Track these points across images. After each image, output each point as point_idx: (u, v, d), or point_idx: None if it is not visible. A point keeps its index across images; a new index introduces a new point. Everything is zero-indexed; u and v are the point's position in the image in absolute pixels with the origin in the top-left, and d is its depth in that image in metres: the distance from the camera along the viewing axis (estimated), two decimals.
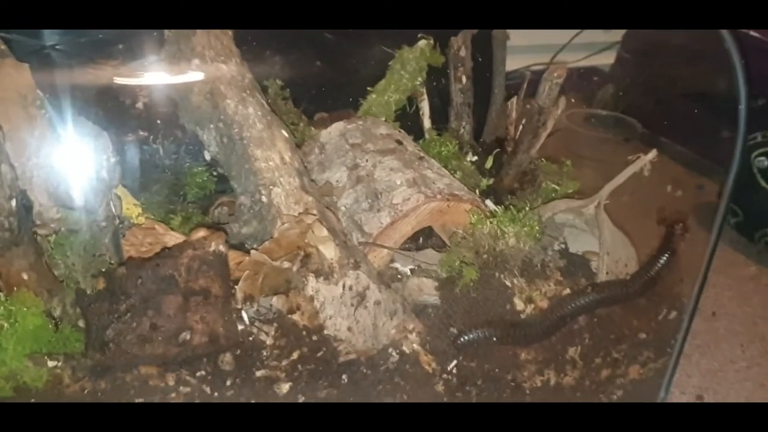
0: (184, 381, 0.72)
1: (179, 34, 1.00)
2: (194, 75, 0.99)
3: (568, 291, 1.02)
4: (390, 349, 0.86)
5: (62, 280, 0.80)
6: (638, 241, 1.15)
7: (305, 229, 0.86)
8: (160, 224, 0.86)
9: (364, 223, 1.04)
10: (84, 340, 0.74)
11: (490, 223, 1.03)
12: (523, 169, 1.27)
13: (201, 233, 0.77)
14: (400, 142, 1.18)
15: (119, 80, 1.04)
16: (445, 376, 0.89)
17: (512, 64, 1.56)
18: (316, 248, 0.87)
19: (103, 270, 0.78)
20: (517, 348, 0.95)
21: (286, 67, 1.28)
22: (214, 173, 1.08)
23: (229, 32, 1.04)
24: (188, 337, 0.72)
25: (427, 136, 1.37)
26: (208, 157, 1.03)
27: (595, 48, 2.17)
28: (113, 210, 0.83)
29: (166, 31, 1.01)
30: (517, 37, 1.50)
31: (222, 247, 0.77)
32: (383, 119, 1.28)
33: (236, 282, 0.82)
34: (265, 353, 0.77)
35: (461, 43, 1.36)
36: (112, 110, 1.04)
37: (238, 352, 0.76)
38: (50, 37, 1.04)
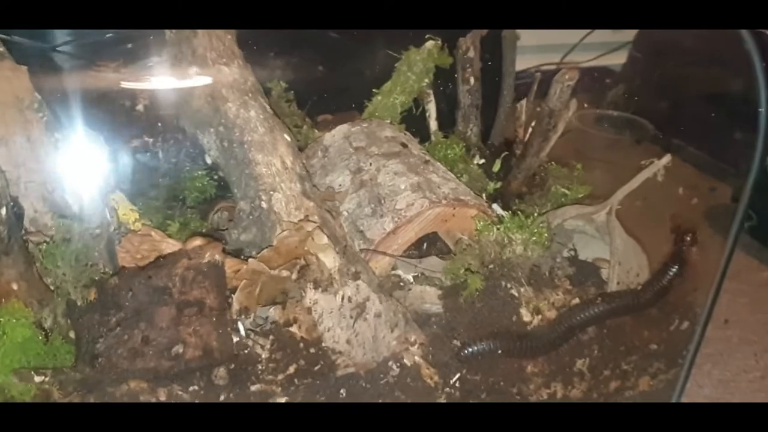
0: (176, 396, 0.70)
1: (180, 36, 0.98)
2: (195, 78, 0.97)
3: (576, 301, 0.99)
4: (390, 362, 0.83)
5: (53, 290, 0.77)
6: (650, 247, 1.12)
7: (305, 236, 0.84)
8: (156, 231, 0.84)
9: (366, 229, 1.01)
10: (74, 352, 0.72)
11: (497, 229, 1.00)
12: (532, 172, 1.24)
13: (197, 242, 0.75)
14: (405, 145, 1.15)
15: (119, 83, 1.02)
16: (447, 389, 0.87)
17: (522, 63, 1.53)
18: (316, 257, 0.85)
19: (96, 279, 0.75)
20: (523, 360, 0.92)
21: (289, 69, 1.25)
22: (215, 177, 1.06)
23: (232, 33, 1.01)
24: (181, 350, 0.70)
25: (433, 138, 1.34)
26: (209, 160, 1.00)
27: (607, 48, 2.13)
28: (108, 216, 0.81)
29: (167, 33, 0.98)
30: (527, 36, 1.47)
31: (218, 257, 0.75)
32: (388, 121, 1.25)
33: (233, 291, 0.80)
34: (260, 367, 0.75)
35: (470, 43, 1.33)
36: (112, 113, 1.02)
37: (233, 366, 0.73)
38: (49, 39, 1.03)
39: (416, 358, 0.86)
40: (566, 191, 1.19)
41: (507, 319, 0.94)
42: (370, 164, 1.09)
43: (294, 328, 0.78)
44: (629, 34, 2.11)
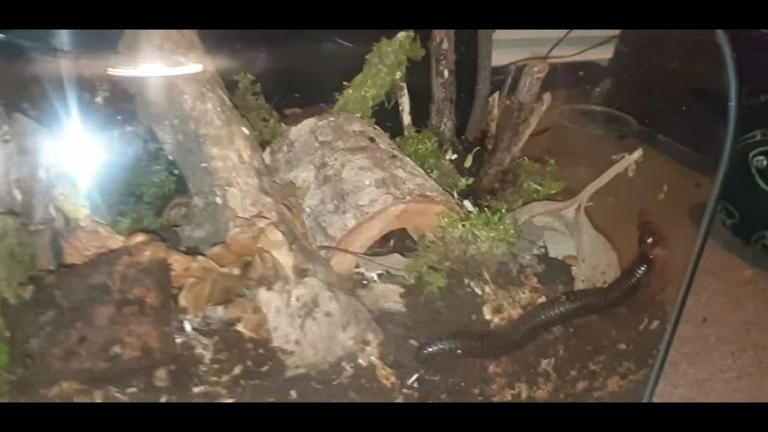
0: (113, 398, 0.67)
1: None
2: (150, 68, 0.94)
3: (543, 299, 0.97)
4: (344, 363, 0.80)
5: None
6: (627, 245, 1.10)
7: (258, 233, 0.81)
8: (104, 227, 0.81)
9: (328, 225, 0.98)
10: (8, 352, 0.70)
11: (462, 226, 0.97)
12: (503, 168, 1.21)
13: (138, 238, 0.72)
14: (372, 140, 1.13)
15: (73, 73, 0.99)
16: (405, 390, 0.84)
17: (501, 59, 1.50)
18: (270, 254, 0.83)
19: (32, 277, 0.73)
20: (485, 360, 0.90)
21: (257, 61, 1.23)
22: (175, 172, 1.03)
23: None
24: (119, 350, 0.68)
25: (406, 133, 1.31)
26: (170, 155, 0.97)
27: (592, 42, 2.11)
28: (52, 212, 0.78)
29: None
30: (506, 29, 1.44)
31: (161, 254, 0.72)
32: (359, 115, 1.22)
33: (181, 290, 0.77)
34: (203, 368, 0.72)
35: (444, 35, 1.30)
36: (66, 105, 0.99)
37: (174, 367, 0.71)
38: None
39: (372, 358, 0.84)
40: (538, 187, 1.17)
41: (469, 318, 0.92)
42: (335, 159, 1.06)
43: (242, 328, 0.75)
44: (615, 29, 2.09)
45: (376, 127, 1.20)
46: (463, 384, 0.88)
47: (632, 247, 1.06)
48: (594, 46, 2.10)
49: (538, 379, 0.94)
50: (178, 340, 0.74)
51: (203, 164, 0.89)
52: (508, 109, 1.15)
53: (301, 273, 0.84)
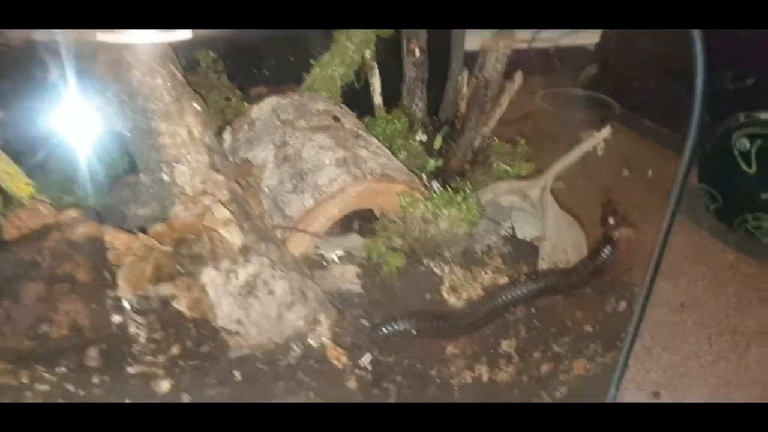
0: (40, 378, 0.65)
1: None
2: (99, 42, 0.92)
3: (505, 280, 0.94)
4: (292, 343, 0.78)
5: None
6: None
7: (202, 210, 0.79)
8: (45, 205, 0.79)
9: (286, 205, 0.96)
10: None
11: (423, 206, 0.95)
12: (472, 148, 1.18)
13: (70, 214, 0.69)
14: (337, 119, 1.10)
15: (23, 48, 0.96)
16: (357, 371, 0.82)
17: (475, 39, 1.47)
18: (217, 232, 0.80)
19: None
20: (442, 341, 0.88)
21: (222, 39, 1.20)
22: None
23: None
24: (46, 328, 0.65)
25: (377, 114, 1.28)
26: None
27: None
28: None
29: None
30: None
31: (94, 230, 0.69)
32: (325, 95, 1.19)
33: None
34: (138, 347, 0.69)
35: None
36: (14, 81, 0.96)
37: (104, 345, 0.68)
38: None
39: (323, 338, 0.81)
40: (508, 168, 1.14)
41: (426, 299, 0.90)
42: (296, 138, 1.04)
43: (182, 307, 0.72)
44: None
45: (343, 106, 1.17)
46: (419, 365, 0.86)
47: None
48: (580, 30, 2.06)
49: (499, 360, 0.91)
50: (116, 319, 0.71)
51: (150, 141, 0.86)
52: (473, 87, 1.12)
53: (250, 252, 0.81)
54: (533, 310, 0.93)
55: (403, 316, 0.84)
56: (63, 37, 0.95)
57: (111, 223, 0.81)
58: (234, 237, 0.80)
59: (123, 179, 0.94)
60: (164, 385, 0.70)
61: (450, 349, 0.88)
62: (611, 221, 0.89)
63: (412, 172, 1.08)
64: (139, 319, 0.70)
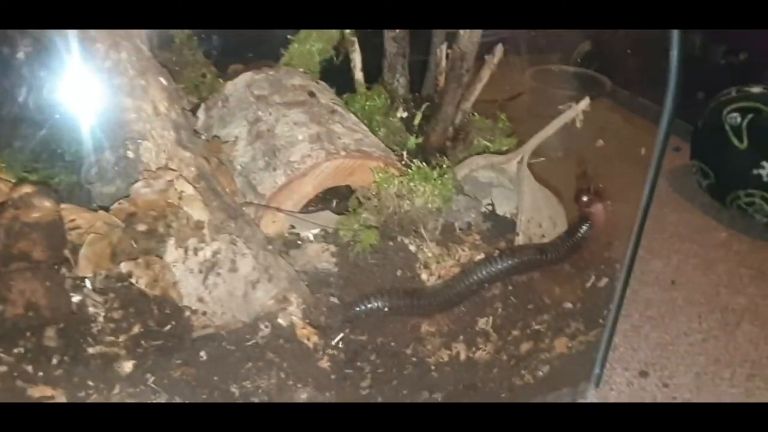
0: None
1: None
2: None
3: (482, 256, 0.92)
4: (260, 322, 0.76)
5: None
6: None
7: (165, 186, 0.77)
8: (5, 182, 0.76)
9: (258, 183, 0.94)
10: None
11: (399, 182, 0.92)
12: (453, 125, 1.16)
13: (24, 189, 0.67)
14: (312, 94, 1.07)
15: None
16: (329, 351, 0.80)
17: None
18: (182, 209, 0.78)
19: None
20: (417, 319, 0.85)
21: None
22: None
23: None
24: (1, 308, 0.63)
25: (357, 89, 1.25)
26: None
27: None
28: None
29: None
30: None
31: (49, 205, 0.67)
32: (301, 70, 1.16)
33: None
34: (98, 327, 0.67)
35: None
36: None
37: (62, 325, 0.66)
38: None
39: (294, 318, 0.79)
40: (488, 144, 1.11)
41: (400, 276, 0.87)
42: (270, 114, 1.01)
43: (141, 285, 0.70)
44: None
45: (320, 81, 1.15)
46: (393, 344, 0.84)
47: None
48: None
49: (476, 339, 0.89)
50: (75, 298, 0.69)
51: (114, 116, 0.84)
52: (449, 60, 1.09)
53: (217, 230, 0.79)
54: (510, 287, 0.91)
55: (376, 294, 0.82)
56: None
57: (76, 202, 0.78)
58: (198, 213, 0.78)
59: (89, 157, 0.92)
60: (127, 366, 0.68)
61: (425, 327, 0.86)
62: (584, 198, 0.87)
63: (391, 149, 1.06)
64: (98, 298, 0.68)
